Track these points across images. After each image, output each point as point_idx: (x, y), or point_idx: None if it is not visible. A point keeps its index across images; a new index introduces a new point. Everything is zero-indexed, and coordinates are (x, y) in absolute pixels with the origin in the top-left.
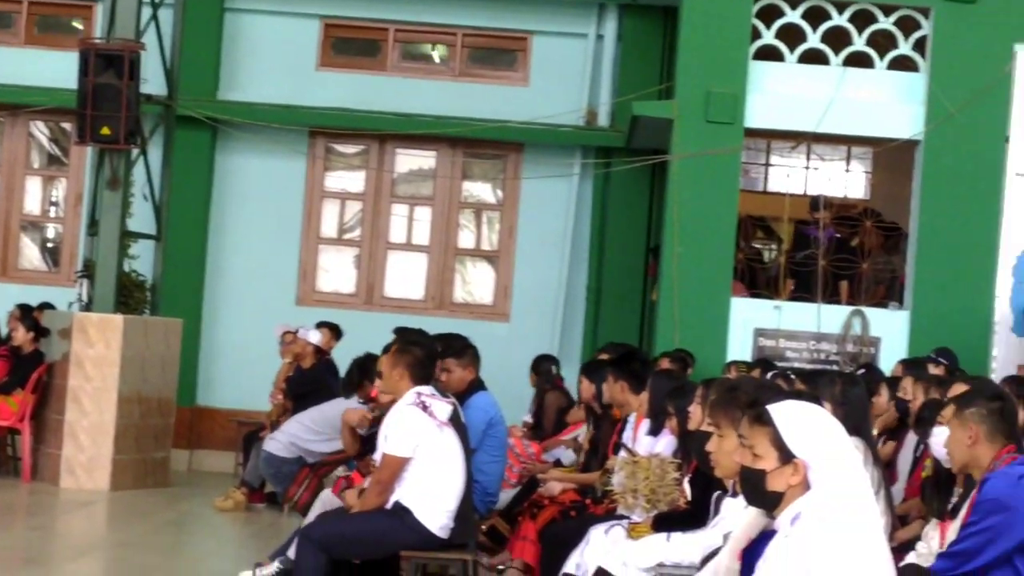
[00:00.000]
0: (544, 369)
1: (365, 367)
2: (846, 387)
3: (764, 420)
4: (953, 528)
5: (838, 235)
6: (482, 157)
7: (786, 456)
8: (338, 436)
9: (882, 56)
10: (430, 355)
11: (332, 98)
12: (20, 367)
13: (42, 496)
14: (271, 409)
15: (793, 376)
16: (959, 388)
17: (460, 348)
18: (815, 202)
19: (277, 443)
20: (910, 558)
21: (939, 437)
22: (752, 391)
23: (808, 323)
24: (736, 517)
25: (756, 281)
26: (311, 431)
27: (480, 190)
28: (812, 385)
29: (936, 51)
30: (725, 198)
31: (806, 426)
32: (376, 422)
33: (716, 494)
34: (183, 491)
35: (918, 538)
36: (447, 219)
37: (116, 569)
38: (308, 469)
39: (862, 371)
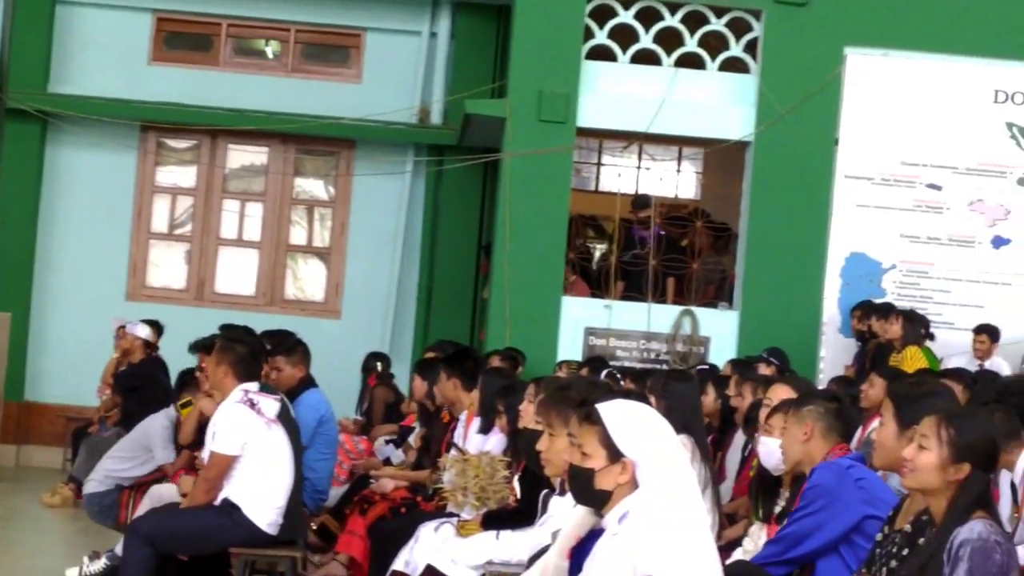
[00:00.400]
0: (370, 366)
1: (186, 379)
2: (671, 383)
3: (593, 419)
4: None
5: (662, 232)
6: (314, 153)
7: (614, 455)
8: (151, 457)
9: (714, 57)
10: (254, 352)
11: (164, 92)
12: None
13: None
14: (100, 404)
15: (619, 376)
16: (779, 390)
17: (289, 346)
18: (638, 201)
19: (94, 483)
20: (736, 555)
21: (766, 446)
22: (583, 390)
23: (638, 322)
24: (565, 515)
25: (588, 280)
26: (123, 460)
27: (312, 186)
28: (640, 383)
29: (767, 53)
30: (557, 197)
31: (634, 425)
32: None
33: (544, 492)
34: (10, 487)
35: (745, 536)
36: (279, 215)
37: None
38: (127, 491)
39: (701, 368)
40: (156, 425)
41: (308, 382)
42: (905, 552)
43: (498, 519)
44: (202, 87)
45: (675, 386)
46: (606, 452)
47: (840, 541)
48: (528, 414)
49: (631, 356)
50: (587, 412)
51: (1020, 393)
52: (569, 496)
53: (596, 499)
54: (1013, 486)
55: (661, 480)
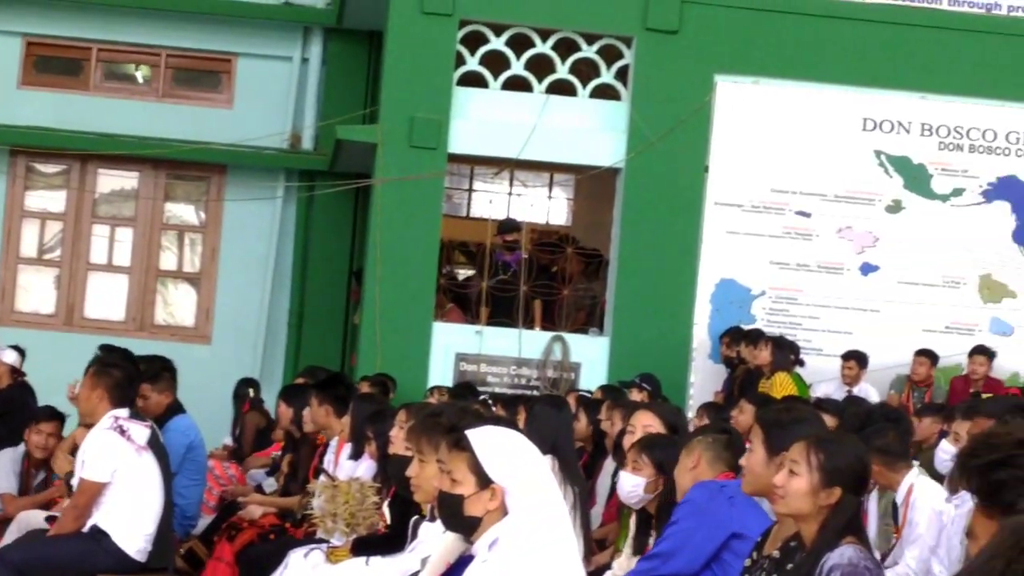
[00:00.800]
0: (242, 392)
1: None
2: (539, 407)
3: (463, 445)
4: None
5: (526, 256)
6: (185, 178)
7: (484, 481)
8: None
9: (585, 84)
10: (130, 377)
11: (34, 117)
12: None
13: None
14: None
15: (491, 401)
16: (642, 417)
17: (155, 373)
18: (504, 225)
19: None
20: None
21: (624, 480)
22: (453, 416)
23: (509, 348)
24: (434, 541)
25: (463, 307)
26: None
27: (183, 211)
28: (511, 409)
29: (638, 80)
30: (428, 223)
31: (503, 452)
32: None
33: (414, 519)
34: None
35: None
36: (149, 240)
37: None
38: None
39: (579, 392)
40: (3, 455)
41: (176, 408)
42: None
43: (368, 545)
44: (72, 111)
45: (545, 410)
46: (475, 478)
47: (711, 559)
48: (398, 440)
49: (502, 382)
50: (457, 438)
51: (887, 420)
52: (439, 522)
53: (465, 525)
54: (895, 506)
55: (530, 506)
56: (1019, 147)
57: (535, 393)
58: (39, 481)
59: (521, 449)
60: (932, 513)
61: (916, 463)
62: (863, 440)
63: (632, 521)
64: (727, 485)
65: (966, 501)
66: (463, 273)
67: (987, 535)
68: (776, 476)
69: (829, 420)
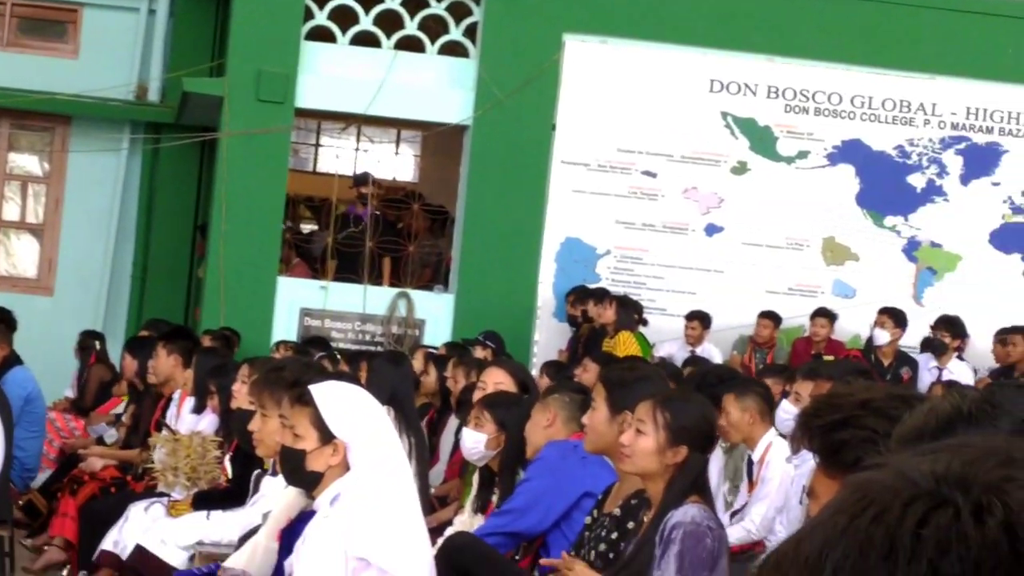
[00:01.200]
0: (88, 344)
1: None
2: (377, 364)
3: (305, 400)
4: None
5: (377, 212)
6: (29, 129)
7: (326, 436)
8: None
9: (433, 41)
10: None
11: None
12: None
13: None
14: None
15: (339, 356)
16: (493, 373)
17: None
18: (359, 178)
19: None
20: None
21: (467, 437)
22: (296, 371)
23: (354, 304)
24: (276, 496)
25: (308, 262)
26: None
27: (26, 162)
28: (355, 365)
29: (486, 38)
30: (273, 177)
31: (346, 407)
32: None
33: (256, 472)
34: None
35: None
36: None
37: None
38: None
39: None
40: None
41: (12, 360)
42: (614, 536)
43: (209, 499)
44: None
45: (384, 366)
46: (318, 434)
47: (561, 517)
48: (241, 395)
49: (346, 338)
50: (299, 393)
51: (721, 380)
52: (281, 477)
53: (307, 481)
54: (751, 462)
55: (372, 461)
56: (864, 111)
57: (379, 349)
58: None
59: (363, 404)
60: (784, 473)
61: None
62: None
63: (475, 479)
64: (580, 444)
65: (806, 461)
66: (308, 228)
67: (828, 494)
68: (623, 435)
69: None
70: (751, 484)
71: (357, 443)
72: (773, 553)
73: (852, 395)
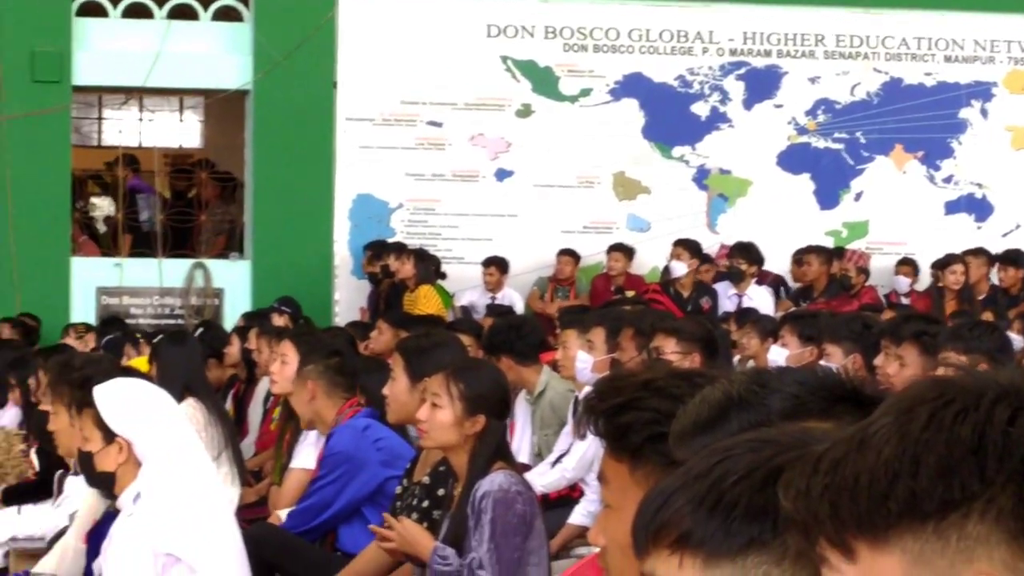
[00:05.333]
0: None
1: None
2: (164, 347)
3: (88, 401)
4: None
5: (154, 192)
6: None
7: (108, 436)
8: None
9: (206, 8)
10: None
11: None
12: None
13: None
14: None
15: (139, 338)
16: (285, 347)
17: None
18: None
19: None
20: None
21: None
22: (81, 369)
23: (151, 279)
24: (81, 496)
25: (96, 239)
26: None
27: None
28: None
29: (260, 1)
30: (57, 157)
31: (124, 404)
32: None
33: (60, 473)
34: None
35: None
36: None
37: None
38: None
39: (200, 329)
40: None
41: None
42: (425, 503)
43: (19, 494)
44: None
45: (169, 350)
46: (101, 433)
47: (363, 503)
48: (40, 386)
49: (146, 313)
50: (82, 396)
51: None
52: (83, 477)
53: (102, 481)
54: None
55: (164, 456)
56: (643, 44)
57: (181, 322)
58: None
59: (145, 399)
60: None
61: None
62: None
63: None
64: (370, 426)
65: None
66: (98, 204)
67: (618, 479)
68: (420, 411)
69: (467, 340)
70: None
71: (141, 440)
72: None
73: (634, 377)
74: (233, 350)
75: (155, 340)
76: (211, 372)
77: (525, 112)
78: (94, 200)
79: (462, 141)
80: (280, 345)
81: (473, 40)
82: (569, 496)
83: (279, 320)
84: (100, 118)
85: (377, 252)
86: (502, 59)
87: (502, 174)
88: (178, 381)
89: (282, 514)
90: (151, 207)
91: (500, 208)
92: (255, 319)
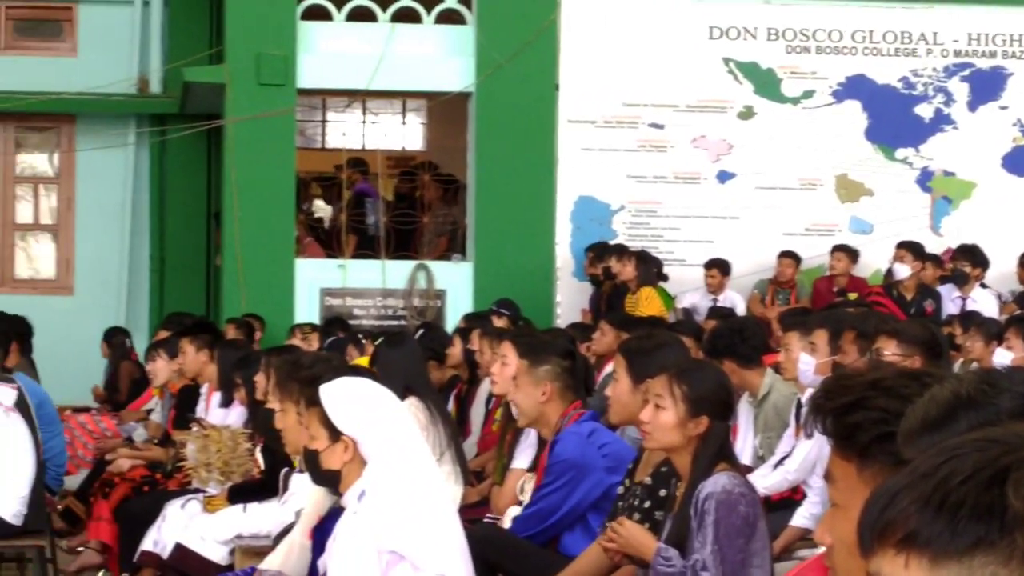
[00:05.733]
0: (117, 342)
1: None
2: (382, 351)
3: (315, 400)
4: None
5: (378, 196)
6: (35, 130)
7: (334, 434)
8: None
9: (429, 11)
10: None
11: None
12: None
13: None
14: None
15: (362, 339)
16: (507, 348)
17: None
18: (352, 163)
19: None
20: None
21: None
22: (309, 367)
23: (373, 280)
24: (306, 493)
25: (320, 241)
26: None
27: (36, 163)
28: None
29: (482, 3)
30: (282, 160)
31: (351, 403)
32: None
33: (285, 471)
34: None
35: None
36: (3, 194)
37: None
38: None
39: (421, 330)
40: None
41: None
42: (647, 504)
43: (244, 492)
44: None
45: (388, 352)
46: (327, 432)
47: (588, 509)
48: (262, 384)
49: (369, 314)
50: (310, 394)
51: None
52: (308, 475)
53: (328, 479)
54: (800, 404)
55: (388, 455)
56: (866, 45)
57: (403, 323)
58: None
59: (370, 398)
60: None
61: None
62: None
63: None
64: (595, 431)
65: None
66: (322, 206)
67: (845, 478)
68: (642, 413)
69: (688, 342)
70: (798, 427)
71: (366, 438)
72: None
73: (862, 376)
74: (455, 351)
75: (376, 345)
76: (433, 373)
77: (747, 114)
78: (317, 203)
79: (684, 143)
80: (501, 346)
81: (695, 42)
82: (791, 498)
83: (499, 322)
84: (324, 121)
85: (599, 254)
86: (724, 61)
87: (724, 176)
88: (398, 382)
89: (508, 514)
90: (376, 211)
91: (721, 210)
92: (476, 320)
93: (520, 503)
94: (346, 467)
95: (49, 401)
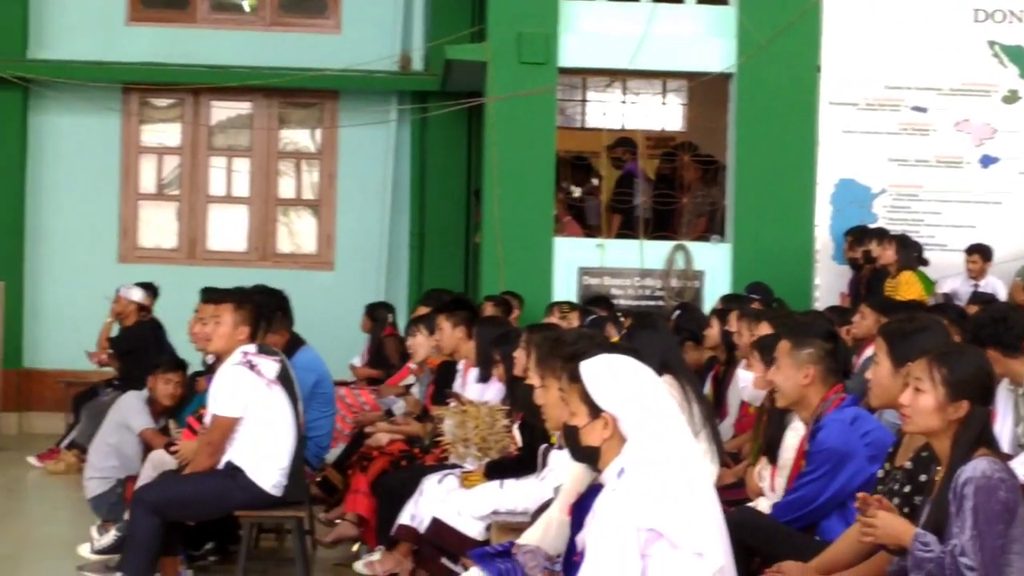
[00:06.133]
0: (380, 316)
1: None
2: (636, 331)
3: (576, 376)
4: (781, 473)
5: (641, 173)
6: (298, 106)
7: (594, 411)
8: (132, 436)
9: None
10: (262, 312)
11: (143, 52)
12: None
13: None
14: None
15: (623, 317)
16: (763, 328)
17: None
18: (616, 143)
19: (95, 482)
20: (763, 505)
21: (745, 382)
22: (572, 344)
23: (631, 260)
24: (564, 470)
25: (580, 220)
26: (110, 453)
27: (298, 139)
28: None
29: None
30: (542, 138)
31: (610, 380)
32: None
33: (544, 447)
34: (13, 455)
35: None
36: (266, 169)
37: None
38: (130, 480)
39: (678, 311)
40: (127, 399)
41: (296, 343)
42: (907, 488)
43: (501, 468)
44: (181, 45)
45: (641, 334)
46: (587, 408)
47: (848, 497)
48: (522, 361)
49: (626, 294)
50: (571, 370)
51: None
52: (567, 451)
53: (587, 455)
54: None
55: (648, 432)
56: None
57: (660, 304)
58: (161, 427)
59: (631, 375)
60: None
61: None
62: None
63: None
64: (857, 418)
65: None
66: (581, 186)
67: None
68: (902, 396)
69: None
70: None
71: (626, 415)
72: None
73: None
74: (712, 332)
75: (629, 327)
76: (689, 354)
77: (1012, 98)
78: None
79: (947, 127)
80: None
81: (960, 24)
82: None
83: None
84: (584, 100)
85: (859, 237)
86: (989, 44)
87: (987, 160)
88: (654, 360)
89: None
90: (641, 191)
91: (984, 195)
92: (734, 301)
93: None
94: (605, 444)
95: (328, 380)
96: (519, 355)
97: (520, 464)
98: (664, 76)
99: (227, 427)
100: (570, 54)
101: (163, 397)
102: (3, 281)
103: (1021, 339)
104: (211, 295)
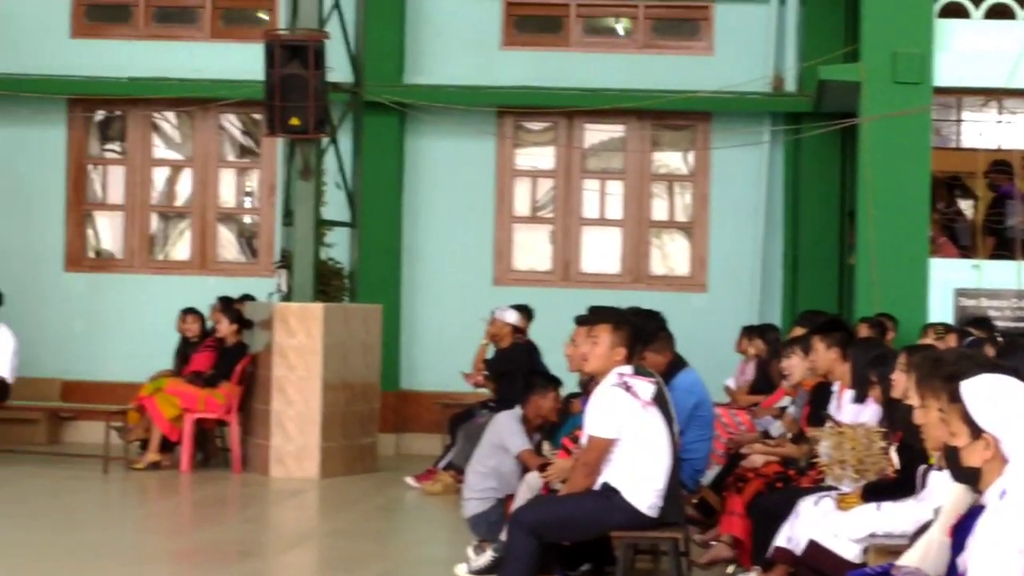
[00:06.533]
0: (771, 338)
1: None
2: (1010, 351)
3: (957, 396)
4: None
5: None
6: (670, 128)
7: (975, 431)
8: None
9: None
10: (638, 334)
11: (517, 77)
12: (225, 359)
13: (253, 487)
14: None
15: (1001, 339)
16: None
17: (651, 335)
18: (997, 163)
19: (474, 503)
20: None
21: None
22: (953, 364)
23: (1008, 281)
24: (944, 491)
25: (955, 241)
26: (488, 475)
27: (670, 161)
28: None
29: None
30: (917, 158)
31: (994, 400)
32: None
33: (923, 468)
34: (392, 476)
35: None
36: (639, 192)
37: (330, 558)
38: (510, 498)
39: None
40: (503, 420)
41: (678, 364)
42: None
43: (878, 491)
44: (555, 68)
45: (1017, 355)
46: (967, 429)
47: None
48: (901, 383)
49: (1004, 316)
50: (952, 390)
51: None
52: (946, 472)
53: (967, 476)
54: None
55: None
56: None
57: None
58: (536, 444)
59: (1013, 395)
60: None
61: None
62: None
63: None
64: None
65: None
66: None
67: None
68: None
69: None
70: None
71: (1008, 436)
72: None
73: None
74: None
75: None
76: None
77: None
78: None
79: None
80: None
81: None
82: None
83: None
84: (959, 120)
85: None
86: None
87: None
88: None
89: None
90: (1016, 213)
91: None
92: None
93: None
94: (987, 465)
95: (708, 403)
96: (898, 376)
97: (898, 486)
98: None
99: (602, 448)
100: (945, 73)
101: (548, 412)
102: (381, 304)
103: None
104: (587, 318)
